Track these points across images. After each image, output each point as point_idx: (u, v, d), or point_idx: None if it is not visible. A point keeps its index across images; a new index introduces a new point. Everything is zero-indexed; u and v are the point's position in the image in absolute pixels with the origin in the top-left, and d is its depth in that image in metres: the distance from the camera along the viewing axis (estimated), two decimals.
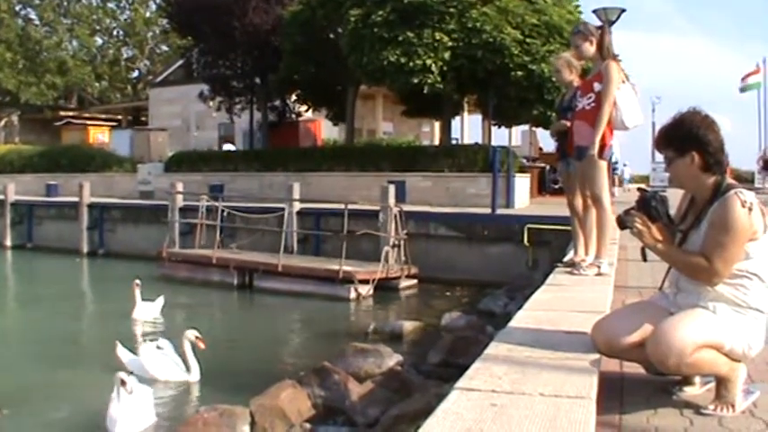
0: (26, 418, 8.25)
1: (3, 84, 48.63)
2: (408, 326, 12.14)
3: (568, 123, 7.45)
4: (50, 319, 14.31)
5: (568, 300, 5.66)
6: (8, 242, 27.23)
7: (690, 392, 3.93)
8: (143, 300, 13.48)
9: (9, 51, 49.70)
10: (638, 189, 3.93)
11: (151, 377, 9.28)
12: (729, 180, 3.71)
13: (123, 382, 7.43)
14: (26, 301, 17.72)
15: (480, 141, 30.43)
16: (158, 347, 9.61)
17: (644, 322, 3.75)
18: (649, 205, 3.80)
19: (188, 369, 9.39)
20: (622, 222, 3.84)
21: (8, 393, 9.07)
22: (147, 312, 13.43)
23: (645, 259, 3.94)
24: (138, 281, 13.45)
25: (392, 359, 9.20)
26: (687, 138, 3.69)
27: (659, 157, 4.69)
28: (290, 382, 7.76)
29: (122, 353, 9.74)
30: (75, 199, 25.48)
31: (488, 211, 18.79)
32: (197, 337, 9.36)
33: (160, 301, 13.68)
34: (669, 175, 3.93)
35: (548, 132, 28.53)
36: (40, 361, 10.40)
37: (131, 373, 8.65)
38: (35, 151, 36.49)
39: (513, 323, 4.81)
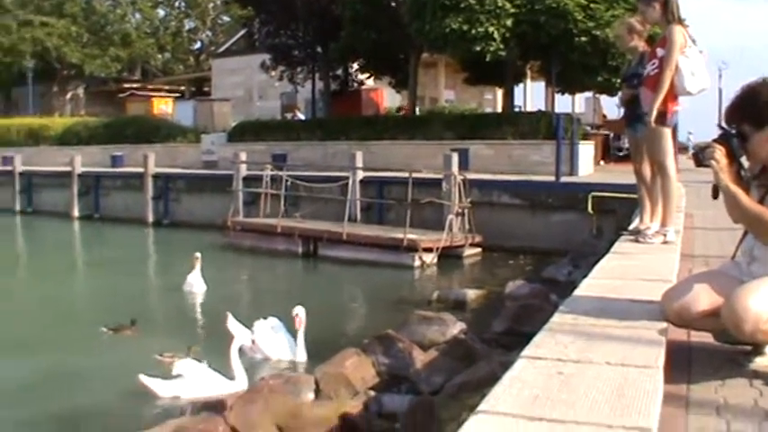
0: (86, 384, 8.54)
1: (68, 57, 49.32)
2: (472, 294, 12.16)
3: (634, 90, 7.33)
4: (115, 288, 14.67)
5: (634, 268, 5.61)
6: (75, 213, 27.90)
7: (760, 363, 3.86)
8: (201, 271, 13.52)
9: (74, 25, 50.30)
10: (719, 126, 3.80)
11: (263, 356, 9.30)
12: None
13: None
14: (91, 271, 18.22)
15: (543, 109, 30.12)
16: (272, 327, 9.52)
17: (715, 291, 3.69)
18: (730, 140, 3.69)
19: (297, 349, 9.28)
20: (699, 158, 3.73)
21: (71, 359, 9.47)
22: (200, 284, 13.47)
23: (716, 197, 3.82)
24: (197, 254, 13.54)
25: (456, 327, 9.18)
26: (764, 110, 3.61)
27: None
28: (354, 350, 7.78)
29: (234, 325, 9.63)
30: (141, 170, 25.95)
31: (552, 178, 18.68)
32: (296, 316, 9.23)
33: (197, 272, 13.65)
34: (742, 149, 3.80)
35: (612, 99, 28.42)
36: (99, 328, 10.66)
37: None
38: (100, 123, 37.15)
39: (578, 291, 4.79)
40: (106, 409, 7.61)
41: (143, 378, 7.73)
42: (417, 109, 29.04)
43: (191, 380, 7.88)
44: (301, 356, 9.29)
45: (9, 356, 9.64)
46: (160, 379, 7.82)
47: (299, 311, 9.33)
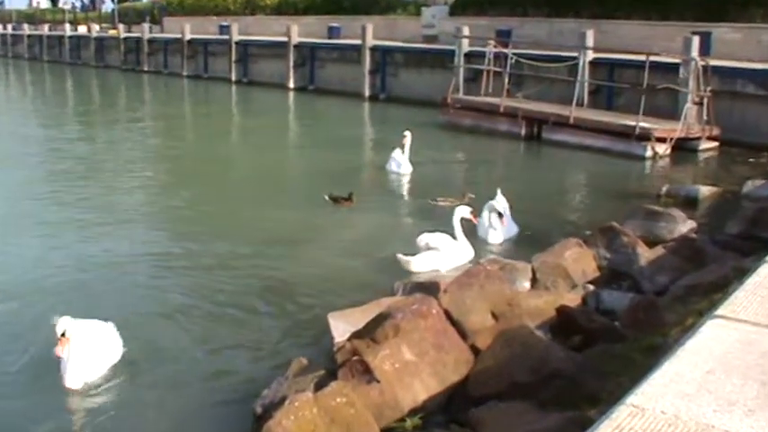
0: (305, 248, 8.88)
1: None
2: (705, 191, 11.69)
3: None
4: (328, 161, 15.08)
5: None
6: (291, 84, 28.69)
7: None
8: (409, 151, 13.25)
9: None
10: None
11: (486, 238, 9.08)
12: None
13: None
14: (306, 142, 18.97)
15: None
16: (503, 208, 9.28)
17: None
18: None
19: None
20: None
21: (300, 222, 10.02)
22: (406, 164, 13.18)
23: None
24: (407, 132, 13.29)
25: (685, 225, 8.95)
26: None
27: None
28: (575, 240, 7.69)
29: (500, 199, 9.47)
30: (358, 42, 26.12)
31: None
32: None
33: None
34: None
35: None
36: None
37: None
38: None
39: None
40: (328, 274, 7.94)
41: (400, 256, 7.88)
42: None
43: (443, 253, 7.97)
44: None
45: (250, 214, 10.55)
46: (415, 256, 7.92)
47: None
